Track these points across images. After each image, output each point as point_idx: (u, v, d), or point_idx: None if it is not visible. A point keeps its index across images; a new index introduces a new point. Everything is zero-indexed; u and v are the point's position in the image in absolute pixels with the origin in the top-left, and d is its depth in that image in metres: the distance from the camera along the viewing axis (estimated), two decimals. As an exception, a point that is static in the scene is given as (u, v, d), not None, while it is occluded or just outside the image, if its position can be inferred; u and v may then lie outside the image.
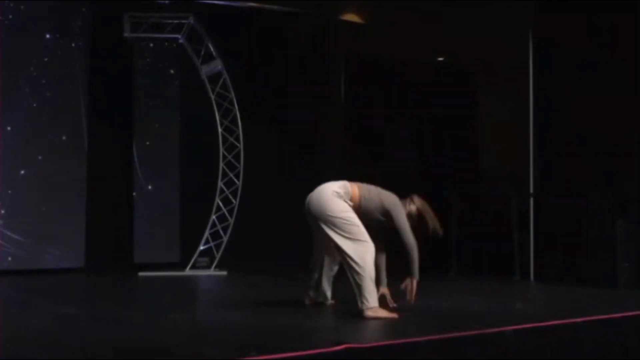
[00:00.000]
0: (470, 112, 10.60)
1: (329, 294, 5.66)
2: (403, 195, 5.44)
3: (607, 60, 7.40)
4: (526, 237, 7.98)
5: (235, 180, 8.67)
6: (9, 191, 8.08)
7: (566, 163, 7.71)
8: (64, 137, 8.42)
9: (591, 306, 5.82)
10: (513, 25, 8.52)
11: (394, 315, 5.02)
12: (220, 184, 8.66)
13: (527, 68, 8.14)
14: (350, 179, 5.42)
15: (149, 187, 8.76)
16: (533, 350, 4.44)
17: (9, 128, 8.13)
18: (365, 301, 4.99)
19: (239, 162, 8.69)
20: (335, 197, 5.15)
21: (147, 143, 8.81)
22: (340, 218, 5.09)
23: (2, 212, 8.06)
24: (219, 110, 8.72)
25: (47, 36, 8.38)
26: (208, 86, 8.69)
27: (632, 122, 7.25)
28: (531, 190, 8.02)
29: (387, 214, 5.25)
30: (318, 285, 5.63)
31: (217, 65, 8.68)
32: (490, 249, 8.44)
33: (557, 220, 7.77)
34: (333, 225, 5.10)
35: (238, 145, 8.71)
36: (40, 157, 8.28)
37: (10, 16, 8.17)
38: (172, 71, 8.94)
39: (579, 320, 4.87)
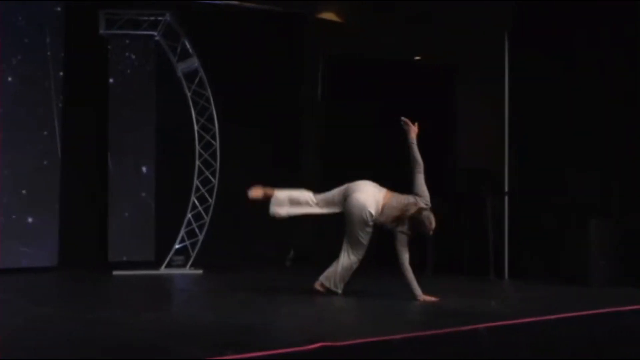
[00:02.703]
0: (447, 111, 10.64)
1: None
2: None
3: (582, 61, 7.48)
4: (501, 236, 8.04)
5: (211, 178, 8.63)
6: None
7: (540, 162, 7.79)
8: (36, 135, 8.32)
9: (565, 304, 5.88)
10: (490, 26, 8.57)
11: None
12: (196, 182, 8.62)
13: (503, 68, 8.20)
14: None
15: (124, 184, 8.68)
16: (507, 348, 4.47)
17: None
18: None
19: (215, 160, 8.65)
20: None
21: (122, 140, 8.73)
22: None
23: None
24: (195, 108, 8.67)
25: (22, 32, 8.26)
26: (184, 84, 8.64)
27: (606, 122, 7.33)
28: (506, 190, 8.08)
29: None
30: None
31: (194, 62, 8.62)
32: (465, 248, 8.48)
33: (532, 219, 7.84)
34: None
35: (214, 143, 8.67)
36: (12, 155, 8.17)
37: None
38: (147, 68, 8.86)
39: (552, 317, 4.93)
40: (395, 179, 9.71)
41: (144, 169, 8.79)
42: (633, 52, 7.17)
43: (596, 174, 7.37)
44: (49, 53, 8.37)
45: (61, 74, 8.41)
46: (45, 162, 8.32)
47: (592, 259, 7.04)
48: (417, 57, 10.87)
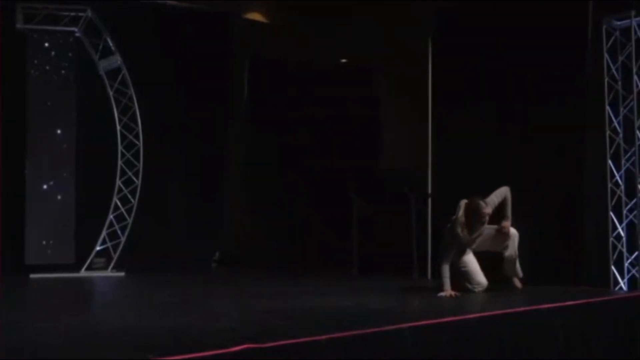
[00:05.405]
0: (372, 113, 10.79)
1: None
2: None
3: (505, 67, 7.68)
4: (424, 236, 8.18)
5: (134, 179, 8.47)
6: None
7: (462, 164, 7.96)
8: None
9: (484, 303, 6.04)
10: (415, 30, 8.73)
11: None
12: (118, 182, 8.44)
13: (427, 72, 8.35)
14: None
15: (43, 184, 8.42)
16: (430, 347, 4.55)
17: None
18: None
19: (138, 161, 8.50)
20: None
21: (41, 139, 8.46)
22: None
23: None
24: (117, 107, 8.50)
25: None
26: (106, 82, 8.46)
27: (527, 127, 7.55)
28: (429, 191, 8.23)
29: None
30: None
31: (116, 60, 8.46)
32: (390, 248, 8.60)
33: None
34: None
35: (137, 143, 8.52)
36: None
37: None
38: (67, 65, 8.61)
39: (472, 316, 5.05)
40: (318, 178, 9.87)
41: (63, 167, 8.54)
42: (554, 60, 7.40)
43: (514, 177, 7.58)
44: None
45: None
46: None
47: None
48: (344, 60, 10.98)
